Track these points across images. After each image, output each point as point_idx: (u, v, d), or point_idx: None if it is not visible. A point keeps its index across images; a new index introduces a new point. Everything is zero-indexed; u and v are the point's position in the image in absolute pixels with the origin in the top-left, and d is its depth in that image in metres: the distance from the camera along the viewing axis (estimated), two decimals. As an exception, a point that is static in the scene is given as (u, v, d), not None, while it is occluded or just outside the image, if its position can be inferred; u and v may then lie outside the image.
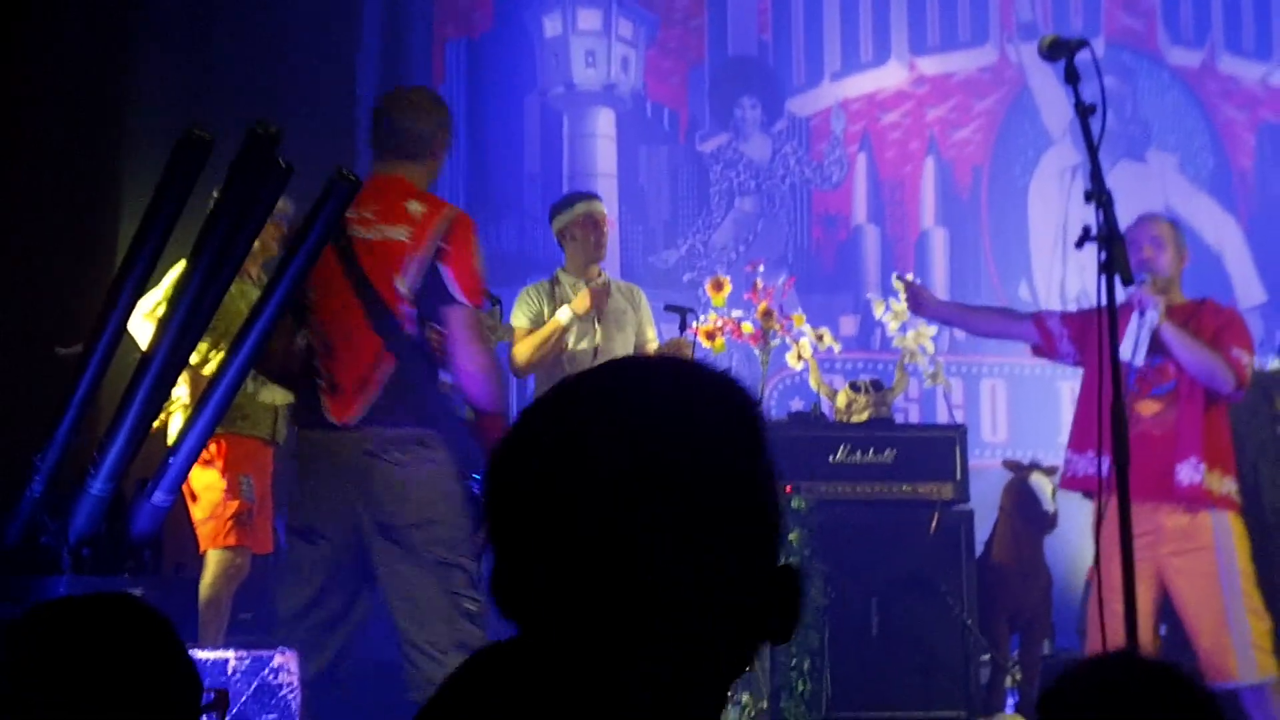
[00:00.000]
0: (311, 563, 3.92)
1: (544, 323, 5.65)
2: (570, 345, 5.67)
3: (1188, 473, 4.74)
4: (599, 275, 5.85)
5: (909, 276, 5.39)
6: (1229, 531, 4.77)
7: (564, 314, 5.57)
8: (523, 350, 5.61)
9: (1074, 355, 5.05)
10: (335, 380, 3.90)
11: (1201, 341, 4.81)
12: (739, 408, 1.21)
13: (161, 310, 4.97)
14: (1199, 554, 4.74)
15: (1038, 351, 5.20)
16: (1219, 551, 4.73)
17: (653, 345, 5.91)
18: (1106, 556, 4.95)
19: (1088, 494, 4.83)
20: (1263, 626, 4.77)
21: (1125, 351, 4.60)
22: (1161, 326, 4.80)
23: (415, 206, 3.91)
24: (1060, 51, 3.85)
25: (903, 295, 5.29)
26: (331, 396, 3.90)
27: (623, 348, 5.80)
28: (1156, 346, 4.77)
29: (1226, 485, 4.79)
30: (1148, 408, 4.83)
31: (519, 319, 5.69)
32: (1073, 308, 7.92)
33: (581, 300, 5.56)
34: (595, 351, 5.70)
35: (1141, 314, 4.73)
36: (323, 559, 3.91)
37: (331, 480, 3.90)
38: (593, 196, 6.04)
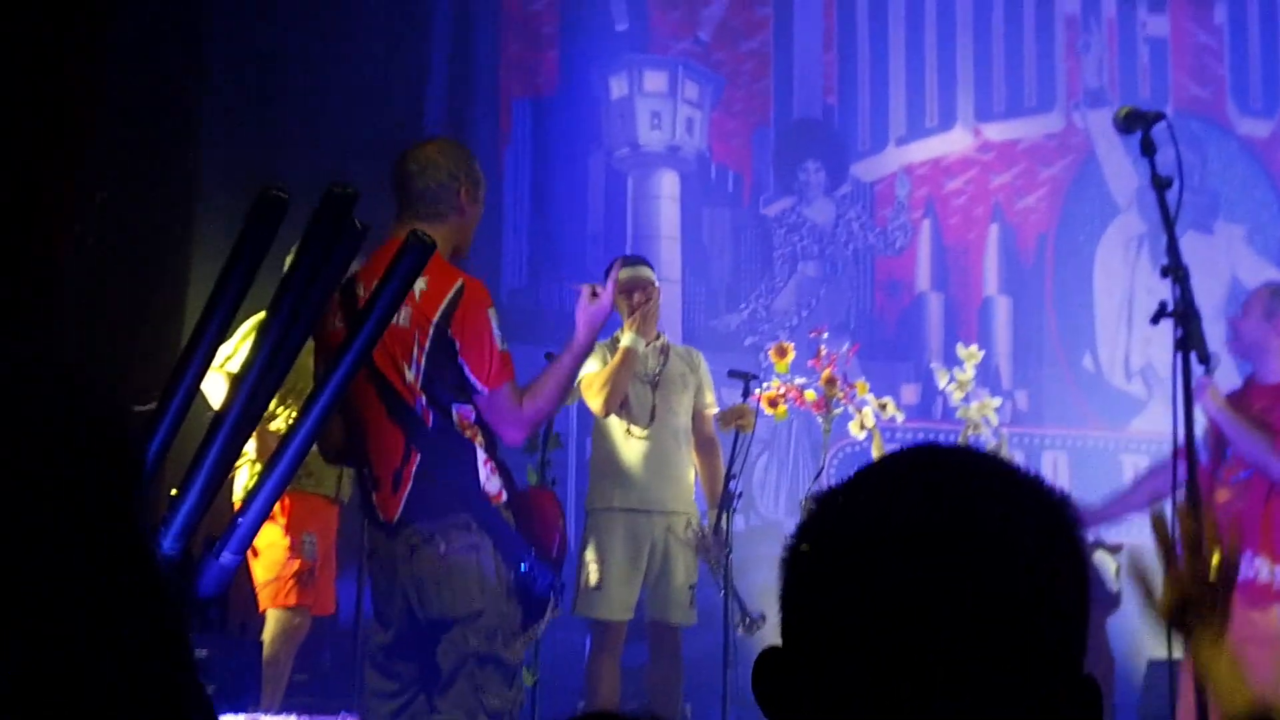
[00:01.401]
0: (385, 648, 3.88)
1: None
2: (631, 409, 5.66)
3: (1241, 568, 4.58)
4: (657, 338, 5.83)
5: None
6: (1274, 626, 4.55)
7: (626, 339, 5.55)
8: (594, 391, 5.57)
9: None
10: (376, 475, 3.82)
11: (1251, 420, 4.63)
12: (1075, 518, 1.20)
13: (232, 364, 5.01)
14: (1262, 649, 4.55)
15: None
16: None
17: (712, 410, 5.88)
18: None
19: None
20: None
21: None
22: (1209, 408, 4.62)
23: (419, 283, 3.59)
24: (1136, 123, 3.80)
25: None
26: (377, 493, 3.83)
27: (683, 412, 5.77)
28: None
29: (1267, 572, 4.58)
30: (1222, 495, 4.68)
31: (588, 368, 5.65)
32: (1137, 380, 7.86)
33: (629, 325, 5.54)
34: (652, 413, 5.69)
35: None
36: (391, 646, 3.86)
37: (389, 574, 3.84)
38: (636, 261, 5.87)
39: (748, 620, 5.60)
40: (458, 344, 3.74)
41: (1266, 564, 4.56)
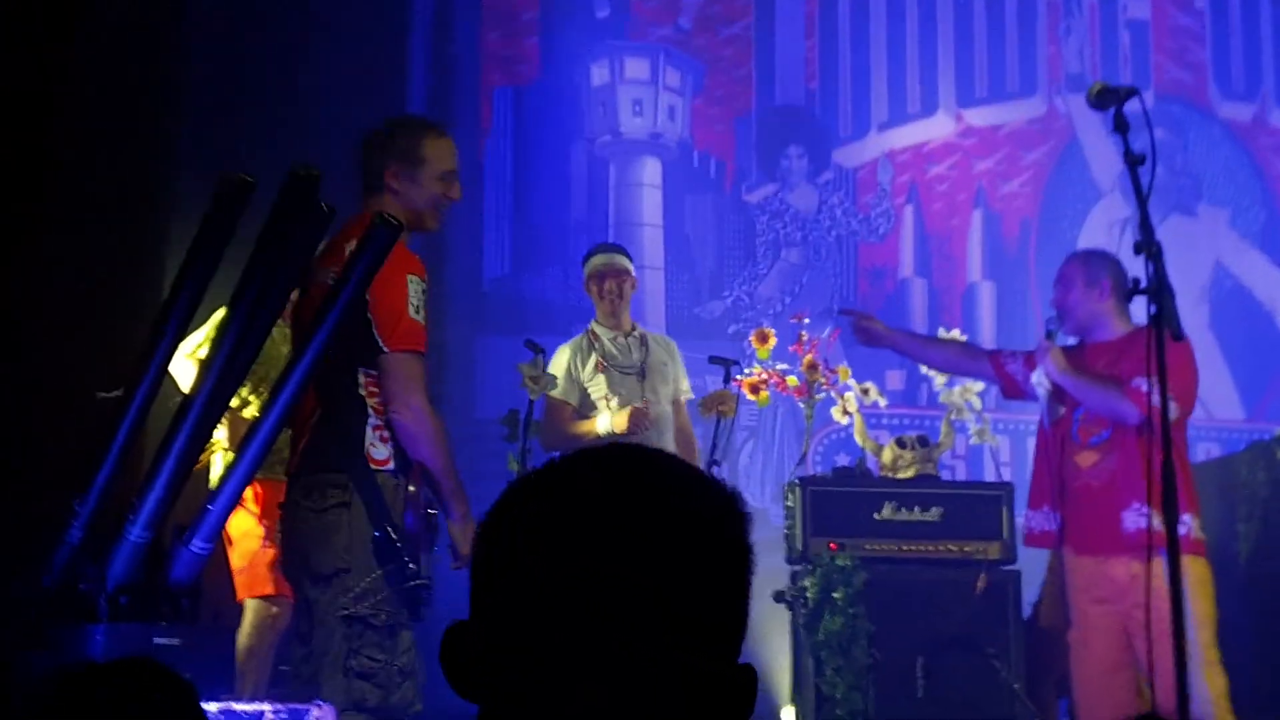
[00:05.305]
0: (295, 612, 3.94)
1: (579, 381, 5.65)
2: (621, 400, 5.65)
3: (1133, 519, 4.53)
4: (633, 328, 5.81)
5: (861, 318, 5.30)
6: (1185, 576, 4.46)
7: (602, 425, 5.56)
8: (552, 435, 5.61)
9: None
10: (293, 431, 3.85)
11: (1096, 376, 4.66)
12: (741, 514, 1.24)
13: (204, 351, 4.97)
14: (1156, 603, 4.45)
15: (1007, 394, 5.11)
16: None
17: (687, 396, 5.88)
18: (1078, 615, 4.79)
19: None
20: (1220, 683, 4.53)
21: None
22: (1052, 373, 4.69)
23: (351, 246, 3.58)
24: (1108, 100, 3.79)
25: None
26: (291, 450, 3.89)
27: (666, 400, 5.77)
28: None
29: (1182, 525, 4.33)
30: (1086, 459, 4.69)
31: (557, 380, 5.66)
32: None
33: (621, 420, 5.52)
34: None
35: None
36: (297, 608, 3.92)
37: (283, 530, 3.92)
38: (612, 249, 5.95)
39: None
40: (370, 300, 3.71)
41: (1157, 515, 4.46)
